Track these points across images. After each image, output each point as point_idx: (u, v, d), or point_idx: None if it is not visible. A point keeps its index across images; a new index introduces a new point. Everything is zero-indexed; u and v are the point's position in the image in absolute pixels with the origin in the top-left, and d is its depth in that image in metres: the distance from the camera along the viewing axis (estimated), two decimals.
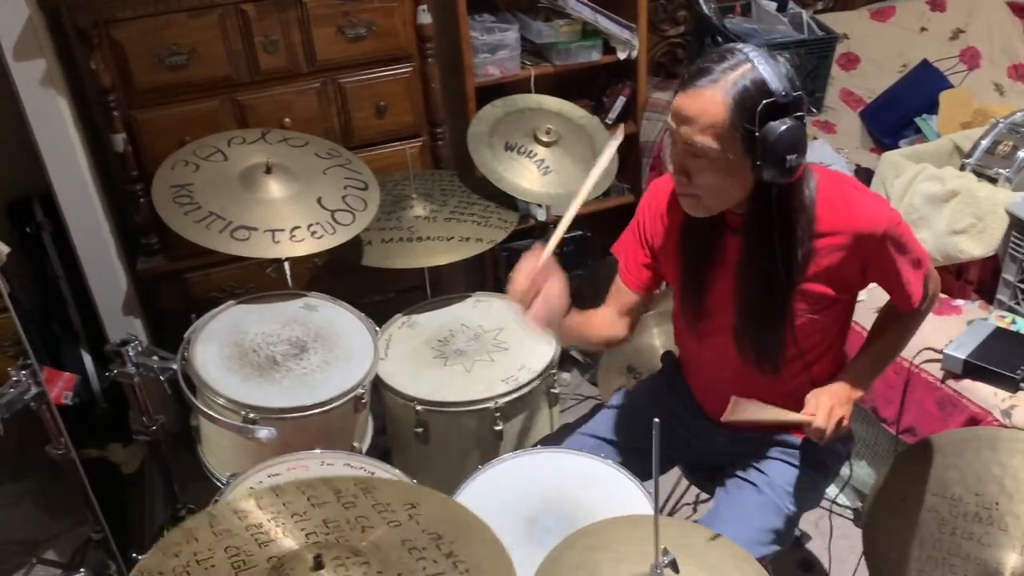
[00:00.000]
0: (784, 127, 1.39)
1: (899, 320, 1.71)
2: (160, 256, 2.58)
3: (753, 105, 1.39)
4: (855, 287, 1.62)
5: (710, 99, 1.41)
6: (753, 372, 1.66)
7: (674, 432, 1.84)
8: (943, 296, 2.43)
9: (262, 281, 2.46)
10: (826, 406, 1.56)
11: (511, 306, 1.53)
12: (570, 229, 3.21)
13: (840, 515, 2.43)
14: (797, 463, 1.73)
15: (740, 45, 1.45)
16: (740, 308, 1.62)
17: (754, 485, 1.71)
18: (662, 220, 1.70)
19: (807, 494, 1.74)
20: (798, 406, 1.60)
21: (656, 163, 3.08)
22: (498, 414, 2.04)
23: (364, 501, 1.34)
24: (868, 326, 1.81)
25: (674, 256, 1.69)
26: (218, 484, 1.95)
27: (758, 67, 1.40)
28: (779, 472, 1.72)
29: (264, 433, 1.84)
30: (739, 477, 1.74)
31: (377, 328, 2.16)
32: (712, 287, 1.65)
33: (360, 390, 1.96)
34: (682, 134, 1.45)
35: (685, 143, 1.45)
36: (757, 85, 1.40)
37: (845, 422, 1.56)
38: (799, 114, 1.42)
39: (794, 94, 1.41)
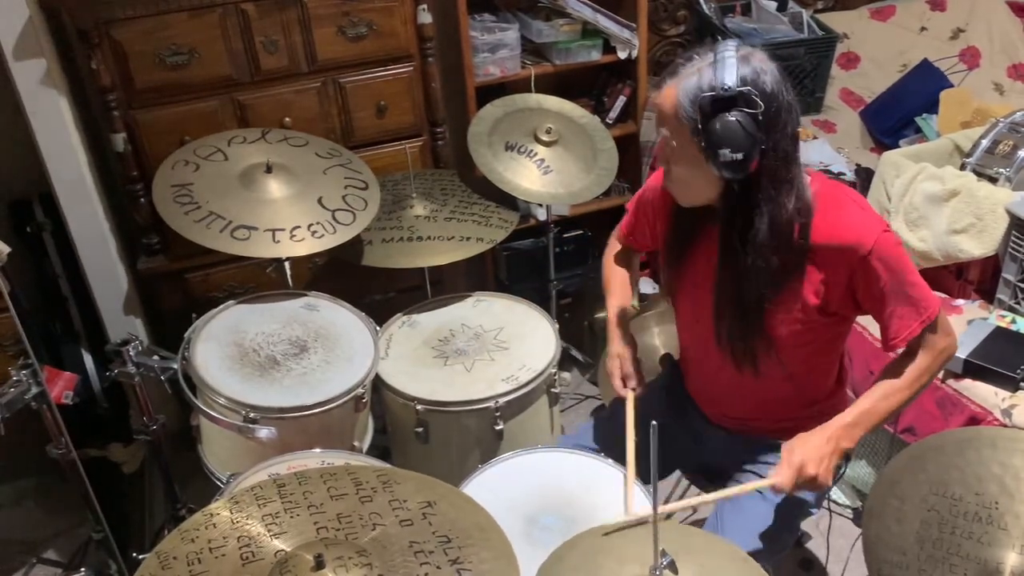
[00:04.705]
0: (722, 120, 1.41)
1: (901, 366, 1.58)
2: (160, 256, 2.58)
3: (696, 98, 1.43)
4: (846, 309, 1.57)
5: (667, 94, 1.47)
6: (739, 374, 1.66)
7: (673, 436, 1.84)
8: (943, 296, 2.43)
9: (262, 281, 2.47)
10: (792, 468, 1.49)
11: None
12: (570, 228, 3.22)
13: (840, 515, 2.43)
14: None
15: (724, 42, 1.46)
16: (716, 299, 1.62)
17: (756, 491, 1.70)
18: (666, 197, 1.71)
19: (808, 498, 1.74)
20: (783, 414, 1.62)
21: (656, 163, 3.09)
22: (498, 414, 2.05)
23: (382, 496, 1.34)
24: (875, 331, 1.80)
25: (665, 234, 1.73)
26: (218, 484, 1.95)
27: (716, 63, 1.42)
28: None
29: (264, 433, 1.84)
30: (740, 484, 1.73)
31: (377, 328, 2.16)
32: (691, 274, 1.67)
33: (360, 390, 1.96)
34: (657, 128, 1.57)
35: (660, 135, 1.54)
36: (706, 80, 1.42)
37: (820, 480, 1.49)
38: (748, 110, 1.41)
39: (740, 88, 1.40)
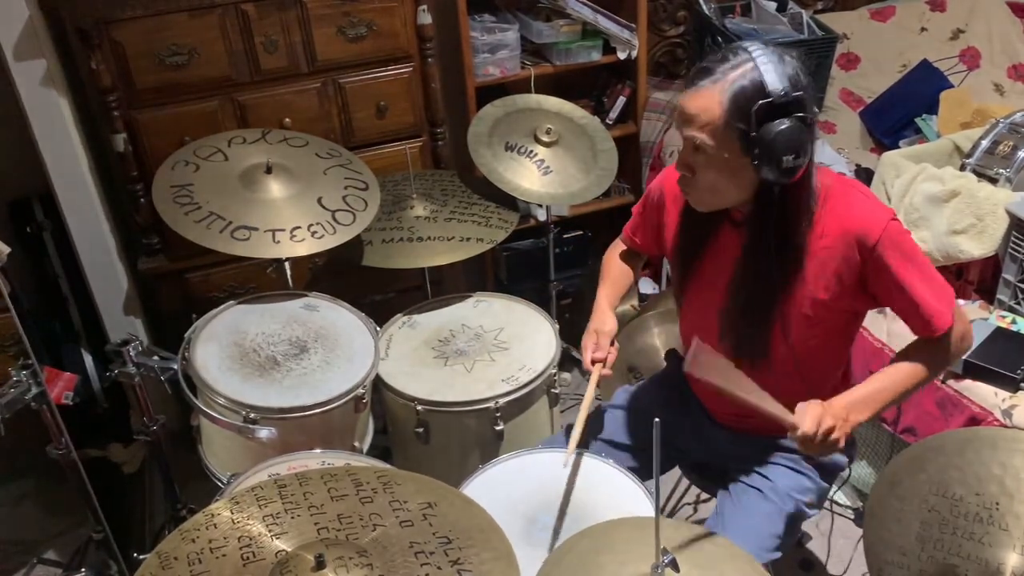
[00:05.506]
0: (781, 127, 1.40)
1: (920, 351, 1.56)
2: (160, 256, 2.58)
3: (748, 105, 1.40)
4: (857, 302, 1.57)
5: (708, 97, 1.43)
6: (743, 369, 1.66)
7: (676, 431, 1.84)
8: None
9: (263, 281, 2.47)
10: (815, 413, 1.45)
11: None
12: (570, 229, 3.23)
13: (840, 515, 2.43)
14: (801, 468, 1.73)
15: (748, 43, 1.45)
16: (731, 299, 1.61)
17: (759, 491, 1.70)
18: (672, 200, 1.72)
19: (811, 499, 1.74)
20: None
21: (656, 163, 3.08)
22: (498, 414, 2.04)
23: (382, 497, 1.34)
24: (875, 331, 1.79)
25: (673, 238, 1.73)
26: (219, 484, 1.95)
27: (759, 66, 1.41)
28: (783, 477, 1.72)
29: (265, 433, 1.84)
30: (744, 483, 1.73)
31: (378, 328, 2.16)
32: (701, 276, 1.67)
33: (361, 390, 1.96)
34: (684, 132, 1.48)
35: (687, 140, 1.48)
36: (754, 85, 1.41)
37: (835, 434, 1.45)
38: (800, 114, 1.41)
39: (794, 94, 1.41)
